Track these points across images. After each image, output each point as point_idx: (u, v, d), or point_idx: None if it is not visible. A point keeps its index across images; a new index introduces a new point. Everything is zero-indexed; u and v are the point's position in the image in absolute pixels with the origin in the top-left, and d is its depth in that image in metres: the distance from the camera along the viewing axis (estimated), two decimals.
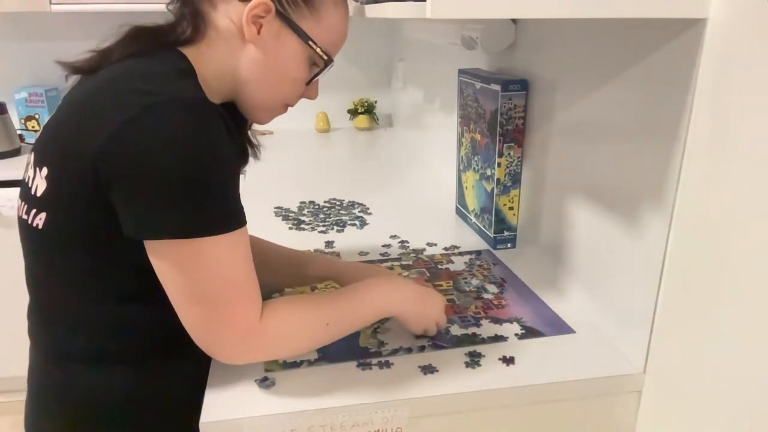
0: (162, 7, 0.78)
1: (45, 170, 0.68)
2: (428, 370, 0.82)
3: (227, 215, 0.66)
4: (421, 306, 0.86)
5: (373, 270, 0.98)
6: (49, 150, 0.69)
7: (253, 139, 0.92)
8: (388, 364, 0.83)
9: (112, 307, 0.72)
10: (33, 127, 2.33)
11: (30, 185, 0.71)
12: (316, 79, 0.81)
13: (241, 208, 0.69)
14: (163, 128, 0.61)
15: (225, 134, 0.66)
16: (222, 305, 0.68)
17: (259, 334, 0.71)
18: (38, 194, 0.69)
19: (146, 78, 0.67)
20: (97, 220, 0.66)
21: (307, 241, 1.28)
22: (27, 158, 0.74)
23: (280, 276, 1.00)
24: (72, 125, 0.67)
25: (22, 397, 0.79)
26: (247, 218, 0.69)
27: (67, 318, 0.73)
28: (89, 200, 0.65)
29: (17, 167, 1.87)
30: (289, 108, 0.84)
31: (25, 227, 0.72)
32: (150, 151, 0.61)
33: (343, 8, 0.79)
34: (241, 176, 0.89)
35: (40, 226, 0.69)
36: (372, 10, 0.85)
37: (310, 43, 0.76)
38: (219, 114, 0.67)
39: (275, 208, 1.50)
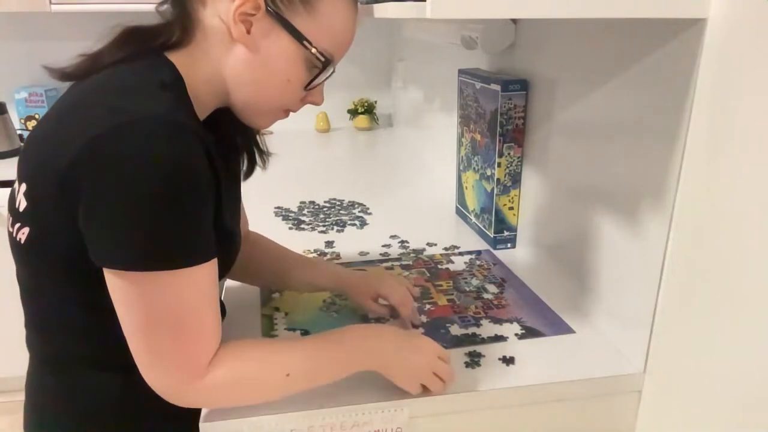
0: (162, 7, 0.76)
1: (24, 186, 0.67)
2: None
3: (189, 248, 0.62)
4: (406, 361, 0.75)
5: (381, 282, 0.94)
6: (28, 166, 0.68)
7: (262, 146, 0.88)
8: None
9: (100, 317, 0.69)
10: (33, 127, 2.33)
11: (15, 198, 0.69)
12: (319, 83, 0.75)
13: (209, 240, 0.64)
14: (127, 150, 0.58)
15: (200, 157, 0.62)
16: (166, 346, 0.64)
17: (203, 383, 0.66)
18: (20, 209, 0.67)
19: (123, 93, 0.63)
20: (73, 238, 0.63)
21: (307, 241, 1.28)
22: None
23: (294, 284, 0.98)
24: (47, 142, 0.65)
25: (22, 397, 0.79)
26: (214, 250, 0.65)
27: (60, 327, 0.72)
28: (63, 219, 0.62)
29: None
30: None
31: (11, 240, 0.70)
32: (111, 174, 0.58)
33: (346, 5, 0.72)
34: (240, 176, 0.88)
35: (23, 241, 0.67)
36: (376, 10, 0.85)
37: (305, 42, 0.69)
38: (197, 135, 0.62)
39: (275, 208, 1.50)
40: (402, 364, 0.75)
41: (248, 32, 0.68)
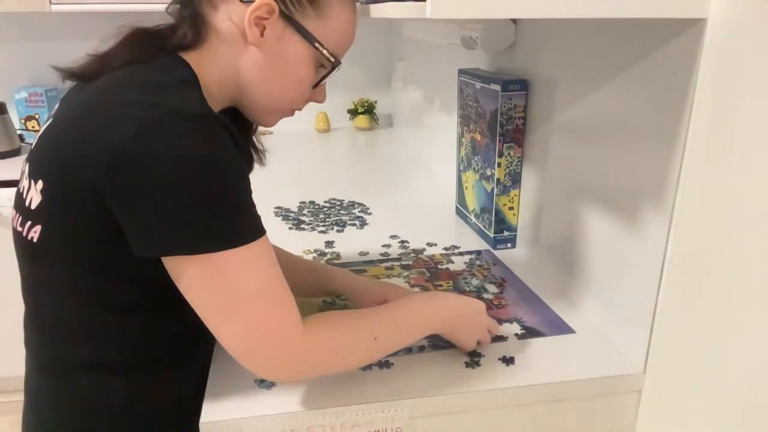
0: (163, 7, 0.77)
1: (40, 183, 0.66)
2: (428, 370, 0.82)
3: (246, 226, 0.64)
4: (470, 319, 0.83)
5: (390, 288, 0.95)
6: (45, 163, 0.67)
7: (258, 144, 0.89)
8: (388, 364, 0.83)
9: (109, 319, 0.70)
10: (33, 127, 2.33)
11: (24, 197, 0.68)
12: (323, 81, 0.78)
13: (258, 217, 0.66)
14: (167, 143, 0.59)
15: (231, 144, 0.64)
16: (257, 320, 0.65)
17: (303, 347, 0.67)
18: (33, 207, 0.67)
19: (147, 90, 0.64)
20: (97, 237, 0.64)
21: (307, 241, 1.28)
22: (21, 167, 0.72)
23: (301, 287, 0.98)
24: (70, 138, 0.65)
25: (22, 396, 0.79)
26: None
27: (64, 329, 0.72)
28: (88, 218, 0.63)
29: (17, 167, 1.87)
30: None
31: (19, 239, 0.70)
32: (157, 168, 0.59)
33: (351, 8, 0.76)
34: None
35: (35, 239, 0.67)
36: (373, 10, 0.85)
37: (316, 44, 0.73)
38: (223, 124, 0.65)
39: (275, 208, 1.50)
40: (466, 328, 0.83)
41: (262, 35, 0.70)
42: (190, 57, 0.71)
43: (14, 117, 2.21)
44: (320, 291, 0.98)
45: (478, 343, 0.85)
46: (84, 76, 0.71)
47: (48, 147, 0.68)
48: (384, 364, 0.83)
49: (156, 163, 0.59)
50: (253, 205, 0.66)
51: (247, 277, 0.64)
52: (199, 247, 0.61)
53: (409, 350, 0.86)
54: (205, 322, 0.66)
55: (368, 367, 0.82)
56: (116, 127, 0.60)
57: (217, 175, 0.61)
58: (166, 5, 0.75)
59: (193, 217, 0.60)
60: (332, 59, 0.75)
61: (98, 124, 0.62)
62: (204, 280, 0.63)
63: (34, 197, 0.67)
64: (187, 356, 0.78)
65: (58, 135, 0.67)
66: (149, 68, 0.69)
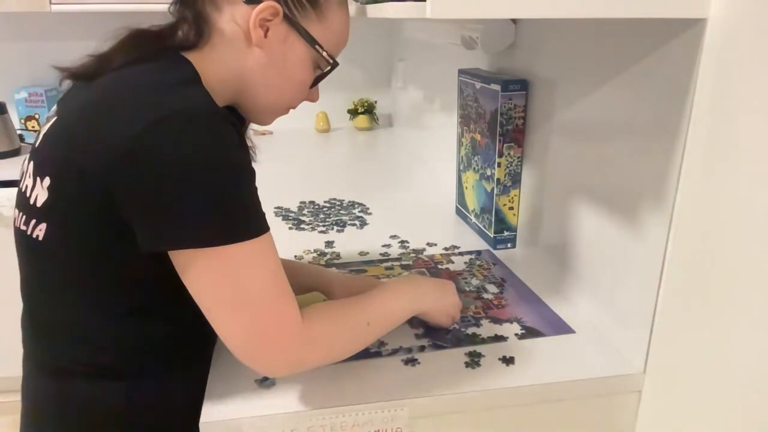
0: (163, 8, 0.76)
1: (47, 180, 0.66)
2: (428, 370, 0.82)
3: (252, 220, 0.65)
4: (442, 298, 0.88)
5: (365, 280, 0.97)
6: (50, 160, 0.67)
7: (248, 141, 0.90)
8: (388, 364, 0.83)
9: (108, 322, 0.70)
10: (33, 127, 2.33)
11: (29, 195, 0.68)
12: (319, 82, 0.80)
13: (263, 213, 0.67)
14: (175, 141, 0.60)
15: (237, 141, 0.65)
16: (262, 315, 0.65)
17: (303, 342, 0.68)
18: (38, 204, 0.67)
19: (152, 89, 0.65)
20: (102, 235, 0.64)
21: (307, 241, 1.28)
22: (22, 167, 0.72)
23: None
24: (76, 136, 0.65)
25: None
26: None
27: (64, 331, 0.72)
28: (95, 215, 0.63)
29: (17, 167, 1.86)
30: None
31: (23, 238, 0.70)
32: (166, 166, 0.60)
33: (346, 10, 0.78)
34: None
35: (40, 237, 0.67)
36: (372, 10, 0.85)
37: (317, 46, 0.75)
38: (229, 121, 0.65)
39: (275, 208, 1.50)
40: (441, 306, 0.88)
41: (265, 37, 0.72)
42: (191, 57, 0.72)
43: (14, 117, 2.21)
44: (296, 288, 0.97)
45: (453, 319, 0.91)
46: (84, 75, 0.71)
47: (55, 144, 0.68)
48: (384, 364, 0.83)
49: (164, 159, 0.60)
50: (259, 201, 0.67)
51: (253, 272, 0.65)
52: (207, 241, 0.62)
53: (409, 350, 0.86)
54: (208, 316, 0.66)
55: (368, 366, 0.82)
56: (124, 125, 0.61)
57: (223, 171, 0.62)
58: (168, 5, 0.76)
59: (202, 212, 0.61)
60: (331, 60, 0.76)
61: (105, 123, 0.63)
62: (211, 274, 0.64)
63: (40, 195, 0.67)
64: (187, 359, 0.78)
65: (65, 132, 0.67)
66: (153, 67, 0.69)
